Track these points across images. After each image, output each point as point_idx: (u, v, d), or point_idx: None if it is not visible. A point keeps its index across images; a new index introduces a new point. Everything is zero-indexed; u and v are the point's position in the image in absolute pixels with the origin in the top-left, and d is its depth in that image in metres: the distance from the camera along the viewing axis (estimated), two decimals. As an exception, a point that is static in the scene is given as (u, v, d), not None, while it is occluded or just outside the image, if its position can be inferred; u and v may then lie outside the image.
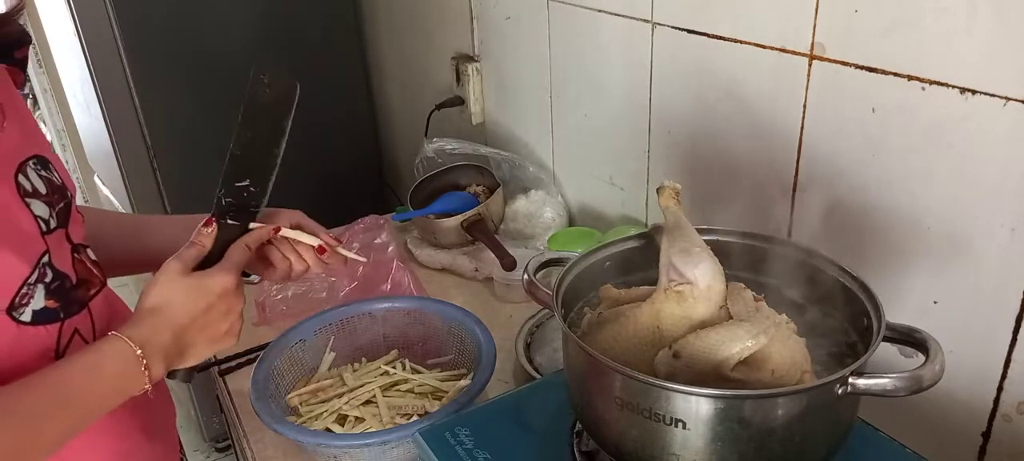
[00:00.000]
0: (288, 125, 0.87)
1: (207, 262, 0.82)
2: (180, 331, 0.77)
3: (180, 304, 0.77)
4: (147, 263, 0.86)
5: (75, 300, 0.79)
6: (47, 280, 0.74)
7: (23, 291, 0.72)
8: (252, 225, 0.86)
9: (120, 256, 0.93)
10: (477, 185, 1.67)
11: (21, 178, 0.75)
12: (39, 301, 0.73)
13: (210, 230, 0.83)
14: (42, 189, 0.77)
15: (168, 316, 0.76)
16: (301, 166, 2.28)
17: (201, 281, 0.79)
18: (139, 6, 1.94)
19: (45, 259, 0.74)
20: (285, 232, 0.90)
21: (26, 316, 0.72)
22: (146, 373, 0.73)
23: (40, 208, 0.76)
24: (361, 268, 1.31)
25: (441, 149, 1.71)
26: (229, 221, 0.84)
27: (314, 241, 0.91)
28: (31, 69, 3.17)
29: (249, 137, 0.84)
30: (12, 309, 0.71)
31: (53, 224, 0.77)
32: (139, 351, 0.73)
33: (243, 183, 0.84)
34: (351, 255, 0.95)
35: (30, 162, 0.77)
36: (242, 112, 0.84)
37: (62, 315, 0.76)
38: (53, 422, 0.68)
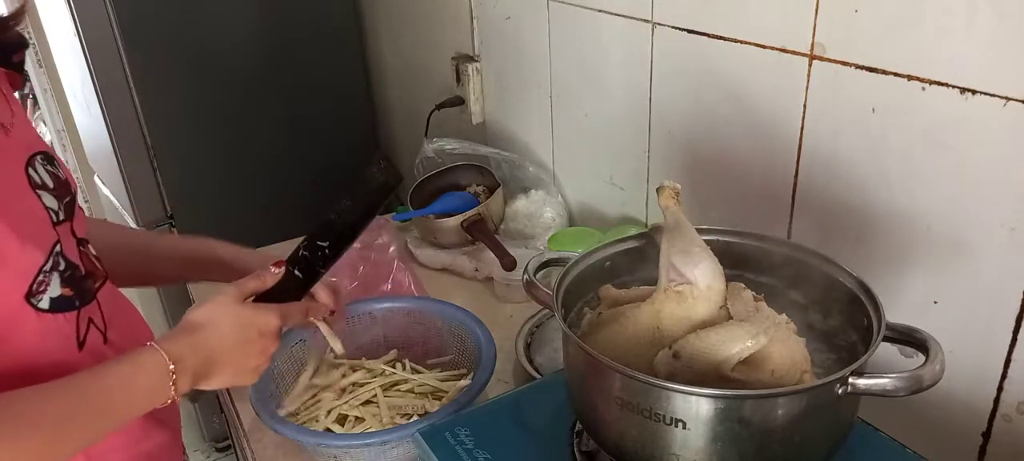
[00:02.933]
0: (377, 213, 0.92)
1: (260, 299, 0.85)
2: (214, 355, 0.78)
3: (225, 329, 0.79)
4: (152, 280, 0.88)
5: (86, 290, 0.80)
6: (61, 269, 0.76)
7: (40, 278, 0.73)
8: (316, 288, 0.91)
9: (127, 270, 0.94)
10: (477, 185, 1.67)
11: (31, 171, 0.77)
12: (55, 289, 0.74)
13: (278, 272, 0.86)
14: (50, 182, 0.79)
15: (209, 338, 0.78)
16: (301, 166, 2.30)
17: (252, 315, 0.81)
18: (139, 6, 1.94)
19: (57, 248, 0.76)
20: (322, 325, 0.95)
21: (44, 304, 0.73)
22: (173, 388, 0.75)
23: (50, 200, 0.78)
24: (362, 268, 1.31)
25: (441, 149, 1.71)
26: (296, 271, 0.87)
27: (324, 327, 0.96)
28: (31, 69, 3.17)
29: (348, 208, 0.88)
30: (30, 296, 0.72)
31: (61, 216, 0.79)
32: (172, 366, 0.74)
33: (323, 244, 0.87)
34: (335, 343, 0.97)
35: (38, 157, 0.79)
36: (357, 186, 0.89)
37: (78, 304, 0.78)
38: (80, 428, 0.69)
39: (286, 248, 0.90)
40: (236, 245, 1.04)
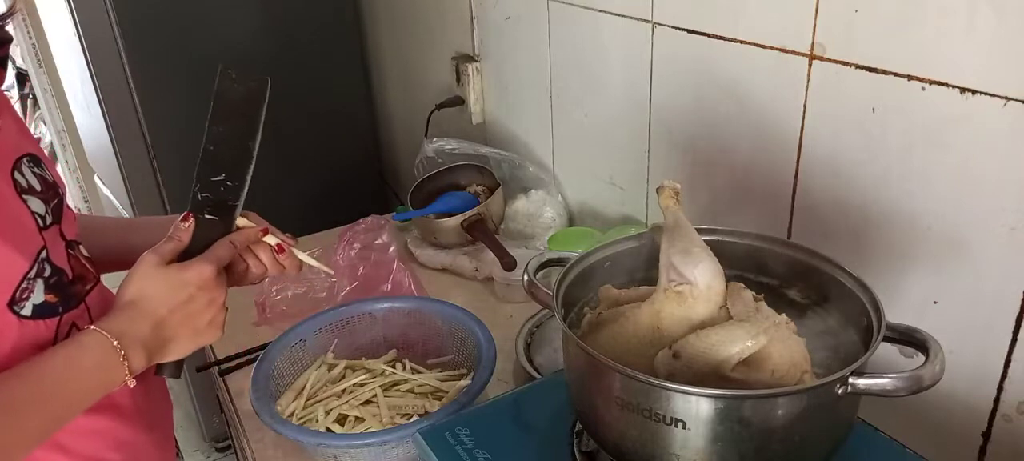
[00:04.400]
0: (261, 120, 0.86)
1: (188, 257, 0.81)
2: (159, 323, 0.77)
3: (157, 295, 0.77)
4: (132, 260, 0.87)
5: (73, 295, 0.79)
6: (46, 275, 0.75)
7: (23, 285, 0.72)
8: (240, 223, 0.86)
9: (107, 253, 0.93)
10: (477, 185, 1.67)
11: (17, 175, 0.76)
12: (39, 296, 0.74)
13: (187, 225, 0.82)
14: (37, 186, 0.78)
15: (145, 308, 0.76)
16: (301, 166, 2.30)
17: (179, 273, 0.78)
18: (139, 6, 1.94)
19: (43, 254, 0.75)
20: (269, 238, 0.89)
21: (27, 310, 0.73)
22: (125, 364, 0.73)
23: (36, 204, 0.77)
24: (362, 268, 1.31)
25: (441, 149, 1.71)
26: (207, 217, 0.83)
27: (273, 240, 0.90)
28: (31, 69, 3.17)
29: (220, 132, 0.84)
30: (13, 303, 0.72)
31: (49, 220, 0.78)
32: (115, 342, 0.73)
33: (218, 178, 0.83)
34: (307, 258, 0.93)
35: (24, 160, 0.78)
36: (211, 108, 0.84)
37: (61, 310, 0.77)
38: (34, 415, 0.69)
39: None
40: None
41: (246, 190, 0.85)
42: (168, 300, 0.77)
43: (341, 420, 1.04)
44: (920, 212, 0.85)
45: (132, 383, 0.75)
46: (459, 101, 1.82)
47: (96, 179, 2.58)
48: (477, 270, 1.47)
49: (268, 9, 2.13)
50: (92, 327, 0.73)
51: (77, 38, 1.96)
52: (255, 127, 0.85)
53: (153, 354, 0.77)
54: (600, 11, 1.28)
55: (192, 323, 0.79)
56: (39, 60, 3.11)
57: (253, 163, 0.85)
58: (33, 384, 0.69)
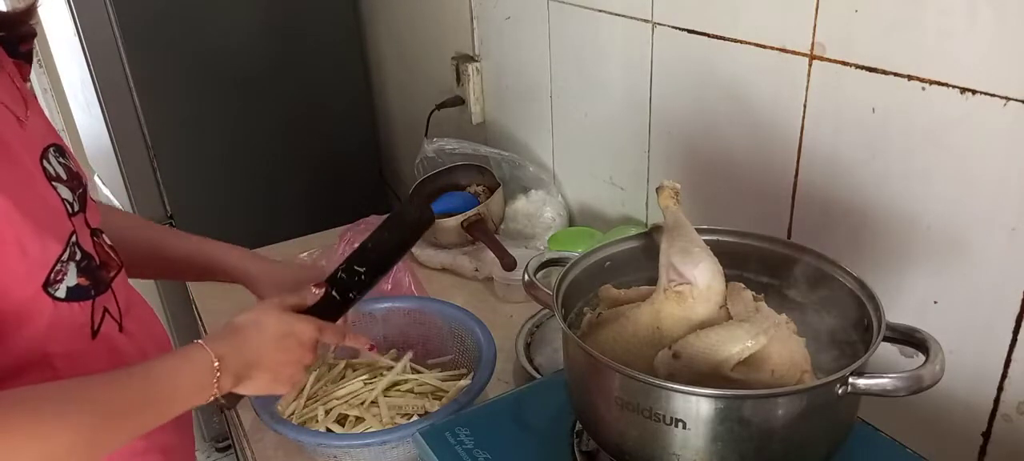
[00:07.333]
0: (412, 246, 0.98)
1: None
2: (255, 357, 0.80)
3: (268, 333, 0.81)
4: (162, 275, 0.89)
5: (102, 279, 0.81)
6: (77, 258, 0.77)
7: (57, 268, 0.74)
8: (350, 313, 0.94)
9: (137, 263, 0.95)
10: (477, 185, 1.67)
11: (45, 163, 0.78)
12: (72, 278, 0.76)
13: (318, 292, 0.89)
14: (63, 174, 0.80)
15: (253, 338, 0.80)
16: (301, 166, 2.30)
17: (293, 322, 0.83)
18: (139, 6, 1.94)
19: (74, 239, 0.77)
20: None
21: (61, 293, 0.75)
22: (216, 385, 0.76)
23: (65, 192, 0.79)
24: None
25: (441, 149, 1.71)
26: (334, 294, 0.90)
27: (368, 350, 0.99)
28: (32, 68, 3.17)
29: (384, 239, 0.92)
30: (48, 285, 0.73)
31: (76, 207, 0.80)
32: (217, 363, 0.75)
33: (361, 270, 0.91)
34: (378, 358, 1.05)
35: (51, 149, 0.80)
36: (388, 217, 0.95)
37: (93, 293, 0.79)
38: (131, 420, 0.70)
39: (284, 249, 0.91)
40: (242, 251, 1.05)
41: (369, 292, 0.93)
42: (273, 341, 0.81)
43: (341, 420, 1.04)
44: (920, 212, 0.85)
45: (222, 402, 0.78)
46: (459, 101, 1.82)
47: (96, 179, 2.58)
48: (477, 270, 1.47)
49: (268, 9, 2.13)
50: (200, 342, 0.76)
51: (77, 38, 1.96)
52: (406, 251, 0.97)
53: (237, 381, 0.79)
54: (600, 11, 1.28)
55: (279, 370, 0.82)
56: (39, 60, 3.11)
57: (386, 275, 0.96)
58: (137, 391, 0.70)
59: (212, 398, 0.76)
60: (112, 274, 0.85)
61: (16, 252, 0.70)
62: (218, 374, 0.75)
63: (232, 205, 2.19)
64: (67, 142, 3.40)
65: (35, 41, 0.84)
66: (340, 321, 0.91)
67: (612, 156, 1.39)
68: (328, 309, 0.90)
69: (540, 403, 0.91)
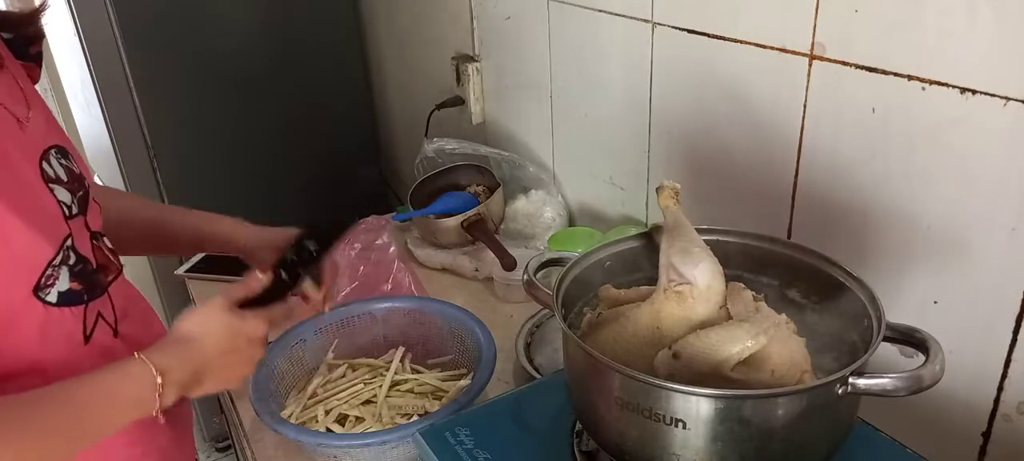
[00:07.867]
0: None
1: (248, 303, 0.85)
2: (205, 364, 0.78)
3: (214, 338, 0.79)
4: (164, 246, 0.92)
5: (97, 284, 0.81)
6: (71, 263, 0.76)
7: (48, 272, 0.73)
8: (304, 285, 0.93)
9: (139, 236, 0.96)
10: (477, 185, 1.66)
11: (45, 165, 0.77)
12: (64, 283, 0.75)
13: (264, 278, 0.86)
14: (63, 176, 0.80)
15: (198, 349, 0.78)
16: (301, 166, 2.30)
17: (241, 323, 0.81)
18: (139, 6, 1.94)
19: (68, 242, 0.76)
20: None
21: (52, 297, 0.74)
22: (159, 400, 0.73)
23: (63, 194, 0.78)
24: (362, 268, 1.31)
25: (441, 149, 1.71)
26: (283, 276, 0.88)
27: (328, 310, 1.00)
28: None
29: (328, 225, 0.94)
30: (38, 289, 0.73)
31: (74, 210, 0.79)
32: (160, 379, 0.73)
33: (311, 246, 0.90)
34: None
35: (52, 151, 0.80)
36: (336, 222, 0.96)
37: (86, 298, 0.78)
38: (61, 439, 0.68)
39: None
40: (233, 220, 1.08)
41: (323, 263, 0.93)
42: (220, 345, 0.79)
43: (341, 420, 1.04)
44: (920, 212, 0.85)
45: (161, 419, 0.75)
46: (459, 101, 1.82)
47: (96, 179, 2.58)
48: (477, 270, 1.47)
49: (268, 9, 2.12)
50: (141, 357, 0.73)
51: (77, 38, 1.95)
52: (347, 230, 0.98)
53: (184, 391, 0.78)
54: (600, 11, 1.28)
55: (228, 372, 0.81)
56: (39, 60, 3.10)
57: (337, 245, 0.95)
58: (67, 409, 0.68)
59: (155, 413, 0.73)
60: (110, 278, 0.84)
61: (4, 256, 0.69)
62: (161, 388, 0.72)
63: (232, 205, 2.16)
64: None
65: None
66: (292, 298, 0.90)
67: (612, 156, 1.39)
68: (278, 292, 0.88)
69: (540, 403, 0.91)
